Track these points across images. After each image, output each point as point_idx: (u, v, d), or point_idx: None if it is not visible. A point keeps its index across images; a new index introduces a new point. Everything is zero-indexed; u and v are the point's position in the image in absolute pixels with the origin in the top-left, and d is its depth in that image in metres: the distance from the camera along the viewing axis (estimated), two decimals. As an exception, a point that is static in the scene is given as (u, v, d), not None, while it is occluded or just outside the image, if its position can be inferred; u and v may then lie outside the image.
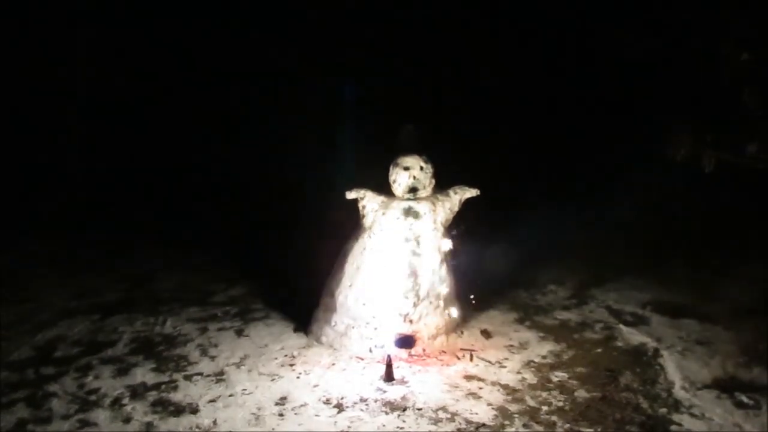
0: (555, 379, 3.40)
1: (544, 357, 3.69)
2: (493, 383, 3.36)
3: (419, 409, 3.09)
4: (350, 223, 3.92)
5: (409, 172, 3.72)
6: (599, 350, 3.79)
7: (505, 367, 3.57)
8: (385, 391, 3.27)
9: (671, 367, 3.52)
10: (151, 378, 3.45)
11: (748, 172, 3.79)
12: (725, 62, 3.57)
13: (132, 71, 7.64)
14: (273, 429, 2.93)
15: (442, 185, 3.87)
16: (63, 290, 4.86)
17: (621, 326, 4.15)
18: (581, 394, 3.23)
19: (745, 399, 3.13)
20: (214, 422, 3.00)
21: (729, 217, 5.53)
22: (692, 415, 3.02)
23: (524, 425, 2.95)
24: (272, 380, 3.41)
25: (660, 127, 4.36)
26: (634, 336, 3.99)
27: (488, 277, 4.70)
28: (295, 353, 3.74)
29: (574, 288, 4.97)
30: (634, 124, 5.50)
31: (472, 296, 4.02)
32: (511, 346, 3.86)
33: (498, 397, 3.21)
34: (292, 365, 3.59)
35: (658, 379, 3.39)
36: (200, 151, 7.77)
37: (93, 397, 3.24)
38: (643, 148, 5.11)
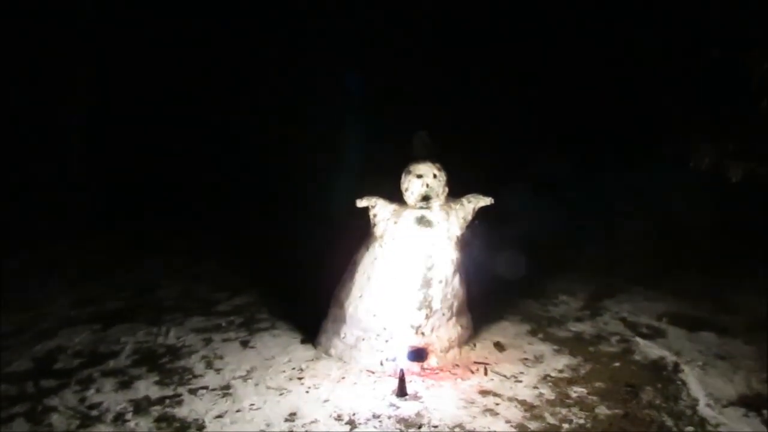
0: (574, 395, 3.28)
1: (560, 371, 3.58)
2: (510, 399, 3.24)
3: (435, 427, 2.97)
4: (360, 231, 3.81)
5: (422, 180, 3.60)
6: (617, 364, 3.68)
7: (521, 381, 3.45)
8: (398, 407, 3.15)
9: (693, 382, 3.40)
10: (154, 392, 3.33)
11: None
12: (750, 70, 3.50)
13: (134, 76, 7.54)
14: (283, 447, 2.82)
15: (455, 192, 3.76)
16: (63, 299, 4.75)
17: (638, 339, 4.04)
18: (602, 410, 3.12)
19: (773, 417, 3.02)
20: (222, 440, 2.88)
21: (746, 227, 5.42)
22: (720, 433, 2.91)
23: (545, 444, 2.84)
24: (281, 394, 3.29)
25: (682, 136, 4.27)
26: (652, 349, 3.87)
27: (498, 287, 4.60)
28: (304, 366, 3.63)
29: (586, 299, 4.86)
30: (656, 133, 5.41)
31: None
32: (526, 359, 3.75)
33: (516, 413, 3.09)
34: (300, 379, 3.47)
35: (680, 395, 3.27)
36: (204, 156, 7.68)
37: (95, 412, 3.12)
38: (664, 156, 5.02)
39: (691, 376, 3.48)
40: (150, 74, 7.56)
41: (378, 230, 3.67)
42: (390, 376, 3.44)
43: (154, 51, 7.47)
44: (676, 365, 3.63)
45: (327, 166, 6.47)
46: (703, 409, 3.12)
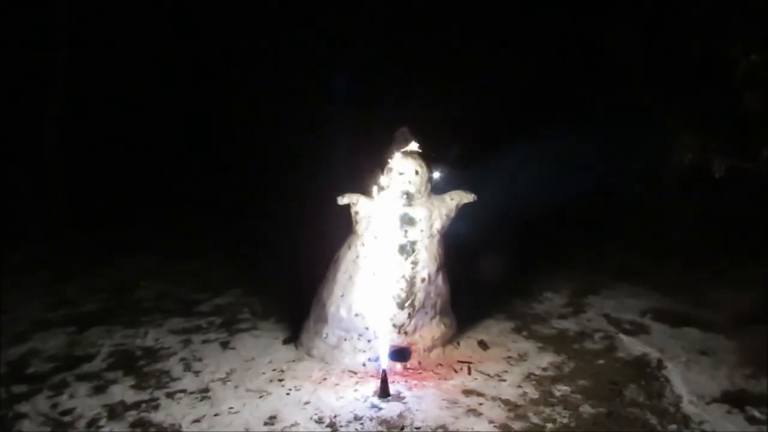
0: (558, 393, 3.25)
1: (544, 369, 3.55)
2: (494, 398, 3.20)
3: (417, 428, 2.91)
4: (340, 229, 3.75)
5: (404, 177, 3.55)
6: (601, 361, 3.66)
7: (504, 380, 3.41)
8: (380, 409, 3.09)
9: (677, 379, 3.39)
10: (130, 396, 3.23)
11: (761, 177, 3.69)
12: (733, 64, 3.48)
13: (113, 76, 7.39)
14: (262, 452, 2.75)
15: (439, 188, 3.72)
16: (37, 300, 4.62)
17: (621, 336, 4.03)
18: (586, 409, 3.09)
19: (757, 413, 3.00)
20: (199, 445, 2.80)
21: (728, 223, 5.44)
22: (704, 431, 2.88)
23: (529, 444, 2.81)
24: (260, 397, 3.21)
25: (664, 131, 4.26)
26: (635, 346, 3.86)
27: (481, 284, 4.57)
28: (284, 367, 3.55)
29: (569, 295, 4.85)
30: (637, 126, 5.41)
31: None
32: (510, 357, 3.71)
33: (499, 413, 3.05)
34: (281, 380, 3.40)
35: (664, 392, 3.26)
36: (184, 156, 7.56)
37: (67, 418, 3.01)
38: (645, 149, 5.03)
39: (674, 373, 3.46)
40: (131, 72, 7.44)
41: (360, 228, 3.61)
42: (372, 376, 3.39)
43: (141, 49, 7.34)
44: (660, 362, 3.62)
45: (310, 164, 6.40)
46: (686, 406, 3.10)
